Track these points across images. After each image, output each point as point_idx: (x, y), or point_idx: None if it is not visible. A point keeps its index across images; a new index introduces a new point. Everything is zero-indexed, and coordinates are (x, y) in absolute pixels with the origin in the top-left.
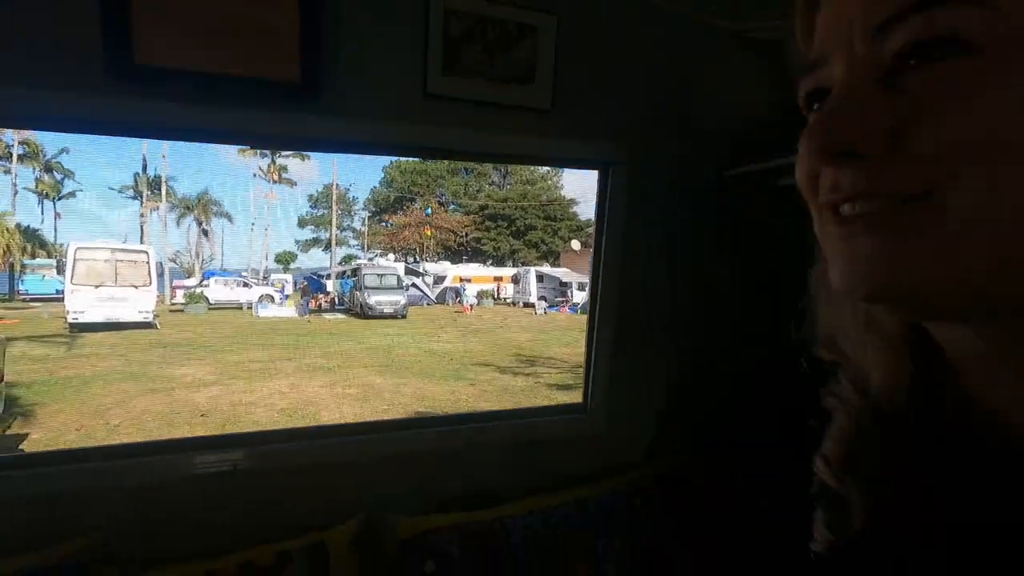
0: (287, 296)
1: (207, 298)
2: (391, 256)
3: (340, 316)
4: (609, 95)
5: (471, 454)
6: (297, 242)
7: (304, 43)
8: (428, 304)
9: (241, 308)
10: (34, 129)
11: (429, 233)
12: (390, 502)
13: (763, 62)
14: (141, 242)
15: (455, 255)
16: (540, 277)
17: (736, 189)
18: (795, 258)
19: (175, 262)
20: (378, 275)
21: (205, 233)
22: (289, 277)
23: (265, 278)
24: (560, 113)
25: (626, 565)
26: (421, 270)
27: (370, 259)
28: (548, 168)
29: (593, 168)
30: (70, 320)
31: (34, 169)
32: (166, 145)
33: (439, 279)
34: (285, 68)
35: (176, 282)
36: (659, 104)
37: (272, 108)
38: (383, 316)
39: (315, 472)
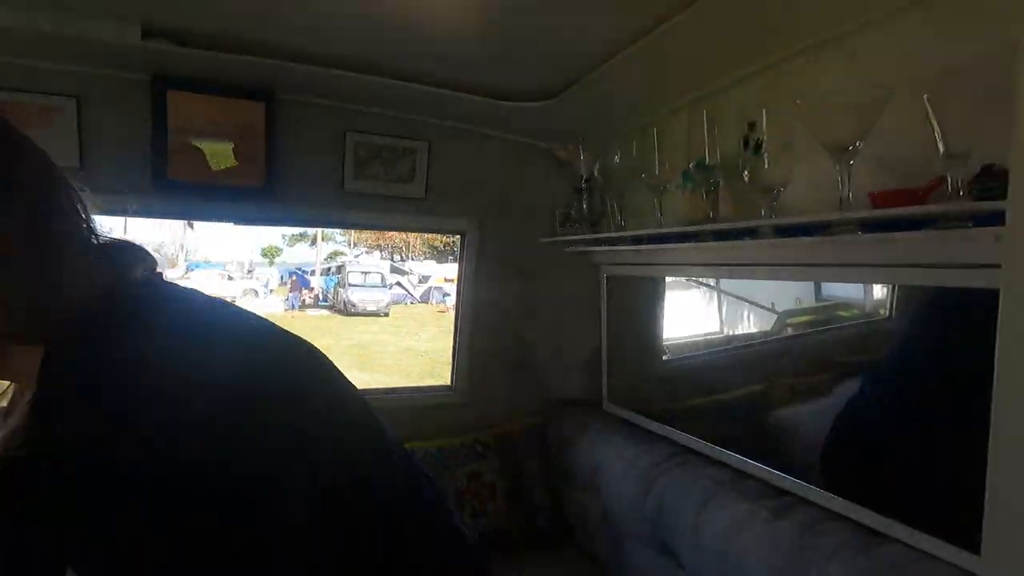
0: (271, 291)
1: None
2: (377, 254)
3: (324, 312)
4: (465, 187)
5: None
6: (284, 236)
7: (269, 164)
8: (412, 303)
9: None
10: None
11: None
12: None
13: (561, 167)
14: (124, 233)
15: (441, 255)
16: None
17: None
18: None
19: (159, 253)
20: (362, 272)
21: (191, 225)
22: (275, 271)
23: (250, 271)
24: (432, 200)
25: (464, 488)
26: (406, 269)
27: (356, 256)
28: None
29: (455, 235)
30: None
31: None
32: None
33: (424, 279)
34: (256, 179)
35: None
36: (497, 193)
37: (247, 201)
38: (366, 313)
39: None
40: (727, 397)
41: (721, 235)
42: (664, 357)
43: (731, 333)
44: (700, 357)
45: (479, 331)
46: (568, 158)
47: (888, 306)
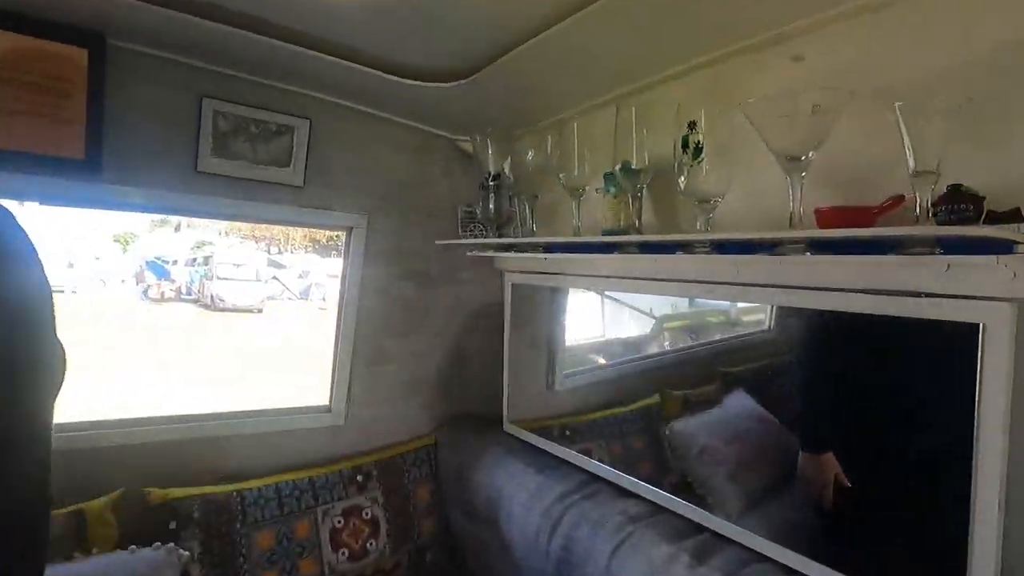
0: (122, 281)
1: None
2: (253, 245)
3: (188, 307)
4: (353, 177)
5: (232, 443)
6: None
7: (92, 131)
8: (290, 299)
9: (63, 292)
10: None
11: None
12: (152, 480)
13: (466, 161)
14: None
15: (325, 249)
16: None
17: (444, 254)
18: None
19: None
20: (234, 265)
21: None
22: (129, 259)
23: (97, 259)
24: (312, 189)
25: (339, 527)
26: (285, 263)
27: (228, 247)
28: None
29: (339, 230)
30: None
31: None
32: None
33: (304, 274)
34: (72, 148)
35: None
36: (391, 186)
37: (59, 175)
38: (237, 309)
39: (86, 456)
40: (625, 410)
41: (649, 248)
42: (566, 371)
43: (617, 337)
44: (597, 371)
45: (364, 341)
46: (475, 151)
47: (768, 319)
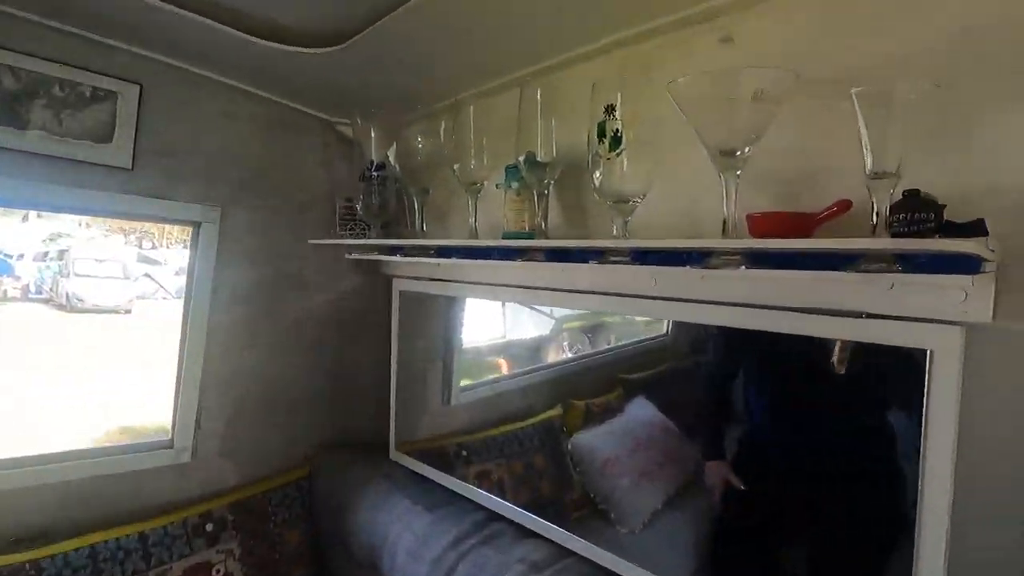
0: None
1: None
2: (121, 239)
3: (39, 307)
4: (200, 159)
5: (38, 495)
6: None
7: None
8: (165, 298)
9: None
10: None
11: None
12: None
13: (348, 147)
14: None
15: None
16: None
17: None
18: None
19: None
20: (96, 260)
21: None
22: None
23: None
24: (144, 172)
25: None
26: (159, 259)
27: (89, 239)
28: None
29: (185, 225)
30: None
31: None
32: None
33: (182, 271)
34: None
35: None
36: (251, 173)
37: None
38: (100, 310)
39: None
40: (526, 425)
41: (557, 255)
42: (463, 384)
43: (519, 339)
44: (497, 383)
45: (218, 358)
46: (355, 136)
47: (667, 324)
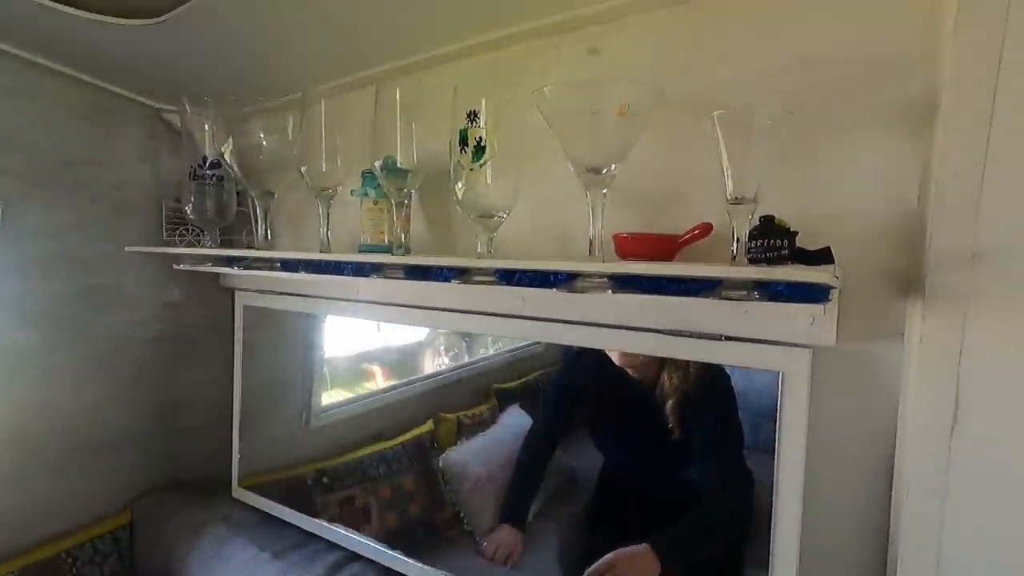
0: None
1: None
2: None
3: None
4: None
5: None
6: None
7: None
8: None
9: None
10: None
11: None
12: None
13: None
14: None
15: None
16: None
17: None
18: None
19: None
20: None
21: None
22: None
23: None
24: None
25: None
26: None
27: None
28: None
29: None
30: None
31: None
32: None
33: None
34: None
35: None
36: (48, 164)
37: None
38: None
39: None
40: (395, 444)
41: (418, 273)
42: (326, 403)
43: (393, 345)
44: (365, 401)
45: (1, 393)
46: (186, 127)
47: None
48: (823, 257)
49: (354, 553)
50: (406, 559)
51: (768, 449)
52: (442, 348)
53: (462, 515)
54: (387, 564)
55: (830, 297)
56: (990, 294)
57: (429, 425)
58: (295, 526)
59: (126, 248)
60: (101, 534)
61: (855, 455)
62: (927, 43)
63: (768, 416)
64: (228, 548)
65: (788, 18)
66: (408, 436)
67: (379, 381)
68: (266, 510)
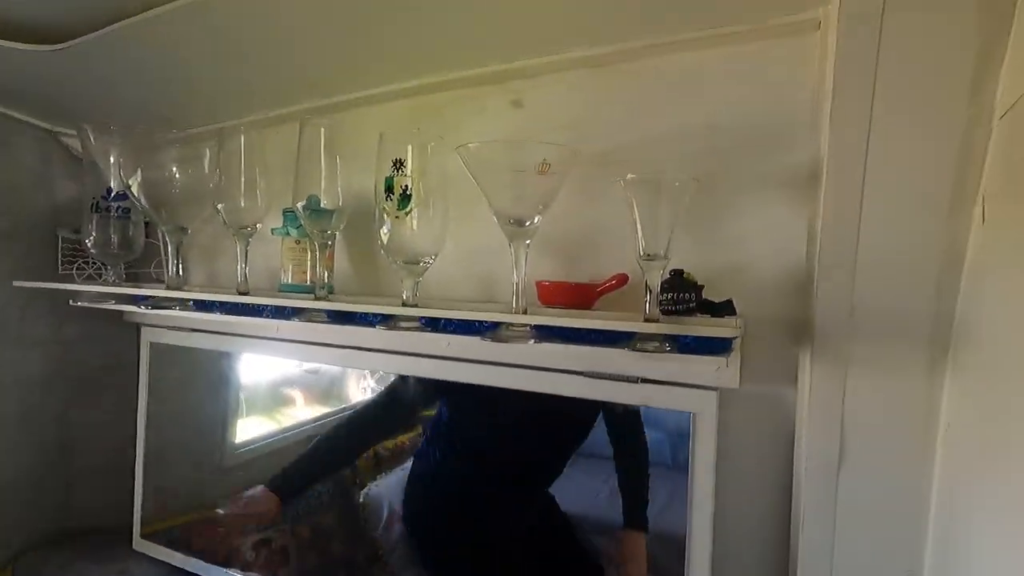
0: None
1: None
2: None
3: None
4: None
5: None
6: None
7: None
8: None
9: None
10: None
11: None
12: None
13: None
14: None
15: None
16: None
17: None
18: None
19: None
20: None
21: None
22: None
23: None
24: None
25: None
26: None
27: None
28: None
29: None
30: None
31: None
32: None
33: None
34: None
35: None
36: None
37: None
38: None
39: None
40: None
41: (342, 318)
42: (242, 439)
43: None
44: (284, 435)
45: None
46: (88, 155)
47: None
48: (726, 308)
49: None
50: None
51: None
52: (367, 372)
53: (380, 552)
54: None
55: (732, 348)
56: (866, 345)
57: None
58: None
59: (14, 283)
60: None
61: (760, 484)
62: (812, 115)
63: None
64: None
65: (692, 86)
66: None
67: (300, 405)
68: (172, 562)
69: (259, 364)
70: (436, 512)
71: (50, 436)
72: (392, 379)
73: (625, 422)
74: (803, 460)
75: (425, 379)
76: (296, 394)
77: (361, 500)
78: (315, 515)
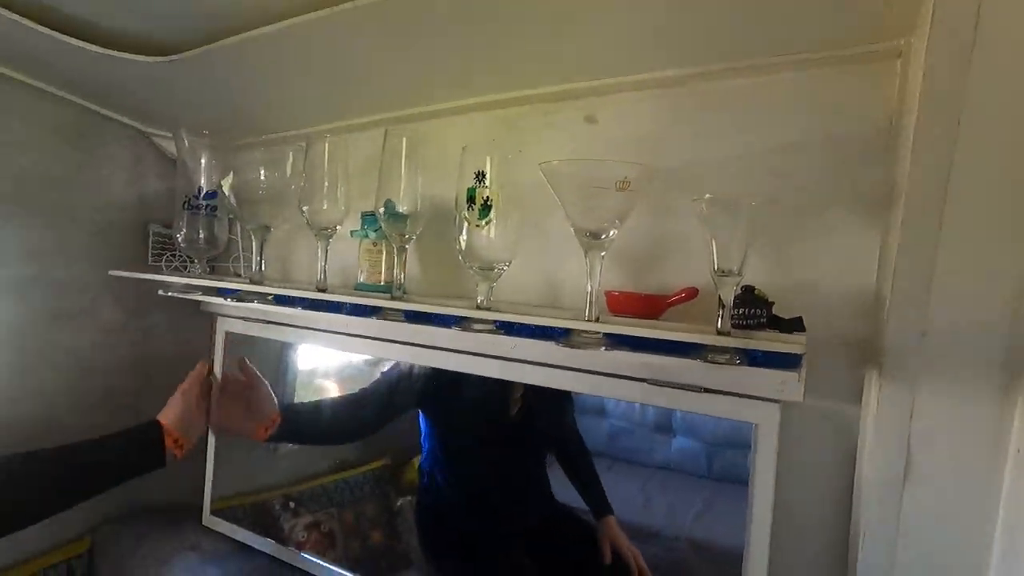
0: None
1: None
2: None
3: None
4: None
5: None
6: None
7: None
8: None
9: None
10: None
11: None
12: None
13: (167, 165)
14: None
15: None
16: None
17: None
18: None
19: None
20: None
21: None
22: None
23: None
24: None
25: None
26: None
27: None
28: None
29: None
30: None
31: None
32: None
33: None
34: None
35: None
36: (31, 182)
37: None
38: None
39: None
40: (356, 473)
41: (419, 318)
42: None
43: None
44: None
45: None
46: (182, 156)
47: None
48: (795, 325)
49: None
50: None
51: (721, 478)
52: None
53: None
54: None
55: (801, 364)
56: (937, 368)
57: (386, 460)
58: (266, 554)
59: (110, 272)
60: (56, 563)
61: (818, 498)
62: (890, 137)
63: (723, 444)
64: None
65: (765, 108)
66: (368, 467)
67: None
68: (237, 538)
69: (317, 356)
70: (447, 532)
71: (128, 418)
72: (392, 375)
73: (566, 440)
74: (865, 477)
75: (406, 391)
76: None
77: (398, 507)
78: (359, 504)
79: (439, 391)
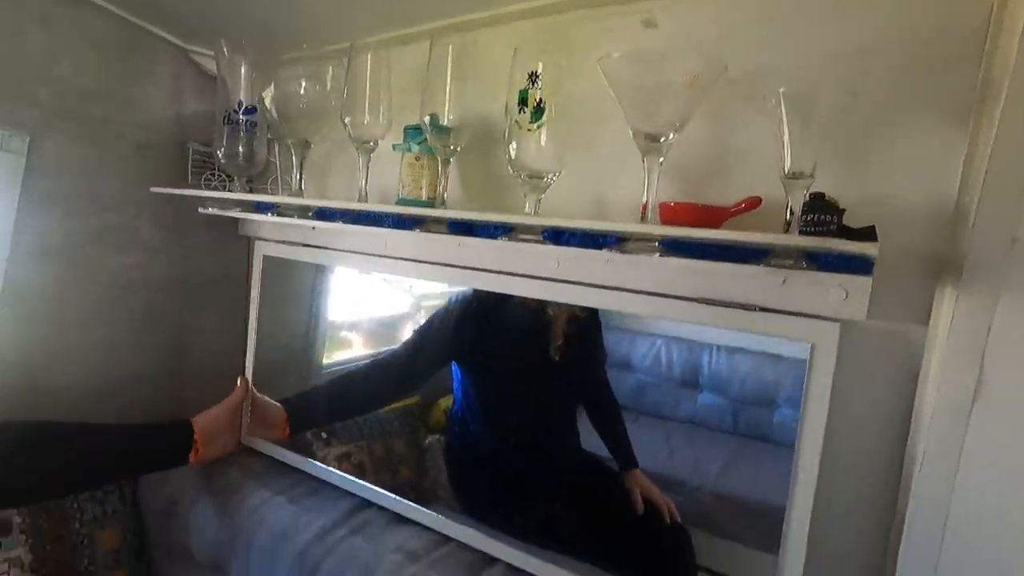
0: None
1: None
2: None
3: None
4: (9, 76)
5: None
6: None
7: None
8: None
9: None
10: None
11: None
12: None
13: (205, 82)
14: None
15: None
16: None
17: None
18: None
19: None
20: None
21: None
22: None
23: None
24: None
25: None
26: None
27: None
28: None
29: None
30: None
31: None
32: None
33: None
34: None
35: None
36: (75, 96)
37: None
38: None
39: None
40: (386, 411)
41: (461, 228)
42: (324, 361)
43: (378, 316)
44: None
45: (10, 327)
46: (221, 71)
47: None
48: (867, 235)
49: (366, 500)
50: (418, 506)
51: (746, 434)
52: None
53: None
54: (399, 511)
55: (872, 268)
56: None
57: (416, 399)
58: (304, 473)
59: (152, 188)
60: None
61: (872, 424)
62: (983, 37)
63: (750, 401)
64: (240, 492)
65: (843, 4)
66: (400, 404)
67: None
68: (275, 456)
69: (346, 286)
70: (480, 478)
71: (168, 338)
72: (413, 336)
73: (599, 392)
74: (928, 401)
75: (440, 342)
76: (353, 336)
77: (426, 444)
78: (388, 439)
79: (477, 337)
